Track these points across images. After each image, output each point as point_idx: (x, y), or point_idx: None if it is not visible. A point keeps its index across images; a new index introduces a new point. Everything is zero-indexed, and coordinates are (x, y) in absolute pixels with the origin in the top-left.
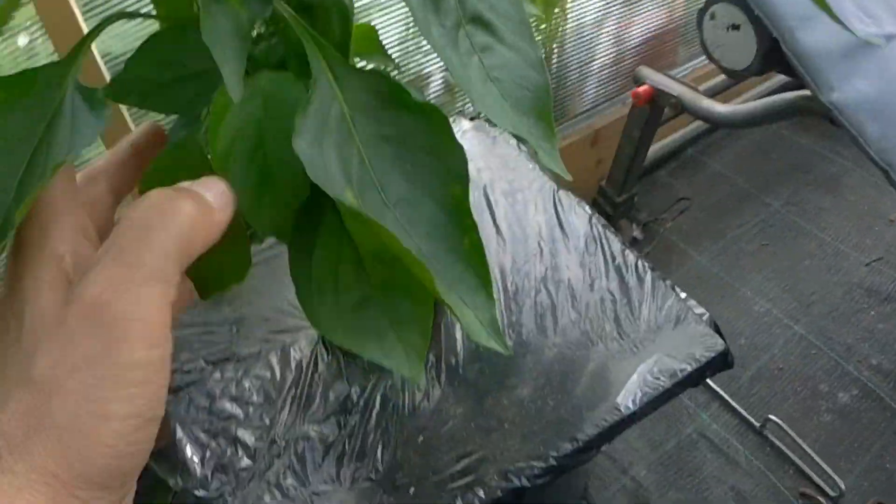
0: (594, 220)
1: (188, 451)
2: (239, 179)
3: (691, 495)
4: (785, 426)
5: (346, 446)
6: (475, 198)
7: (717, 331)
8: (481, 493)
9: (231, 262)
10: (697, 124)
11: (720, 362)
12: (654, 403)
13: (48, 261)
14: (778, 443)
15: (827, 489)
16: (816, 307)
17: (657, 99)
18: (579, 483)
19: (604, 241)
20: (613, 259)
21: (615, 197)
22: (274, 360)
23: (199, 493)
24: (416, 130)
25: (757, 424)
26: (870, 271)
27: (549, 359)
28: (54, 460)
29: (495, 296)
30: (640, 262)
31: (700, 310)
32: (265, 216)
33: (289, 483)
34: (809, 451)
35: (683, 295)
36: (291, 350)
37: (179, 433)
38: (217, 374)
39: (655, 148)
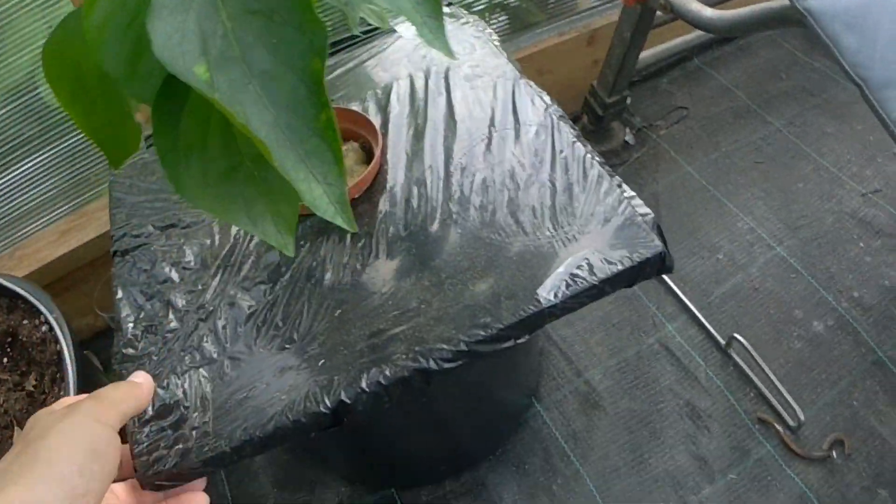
0: (551, 111)
1: (125, 311)
2: (113, 51)
3: (644, 406)
4: (750, 348)
5: (268, 315)
6: (434, 81)
7: (659, 232)
8: (388, 372)
9: (125, 134)
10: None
11: (656, 264)
12: (579, 299)
13: None
14: (742, 363)
15: (787, 418)
16: (803, 231)
17: None
18: (530, 380)
19: (556, 131)
20: (561, 151)
21: (605, 97)
22: (216, 229)
23: (128, 351)
24: (282, 5)
25: (722, 342)
26: (865, 202)
27: (477, 243)
28: None
29: (436, 176)
30: (588, 156)
31: (645, 209)
32: (137, 86)
33: (209, 346)
34: (772, 375)
35: (630, 193)
36: None
37: (120, 293)
38: (162, 240)
39: (658, 51)
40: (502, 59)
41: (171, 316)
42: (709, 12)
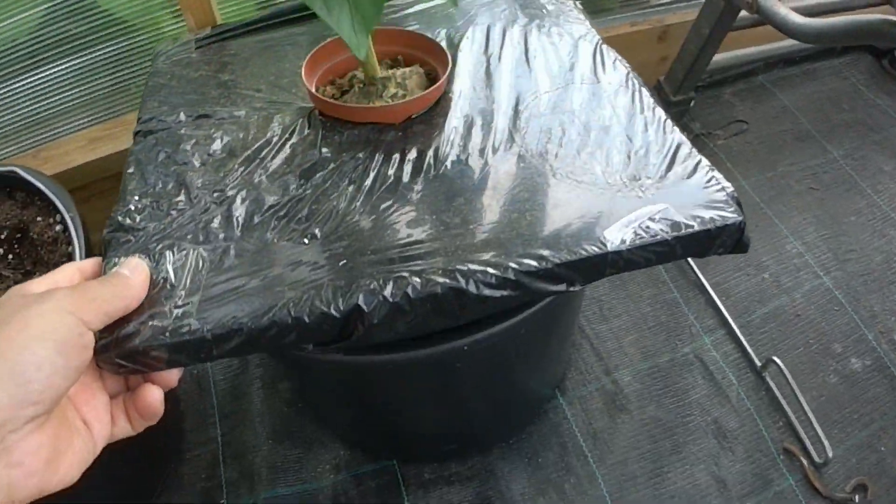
0: (632, 76)
1: (131, 184)
2: None
3: (671, 416)
4: (788, 374)
5: (292, 209)
6: (512, 31)
7: (739, 205)
8: (417, 282)
9: None
10: (772, 45)
11: (733, 235)
12: (646, 252)
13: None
14: (775, 389)
15: (813, 453)
16: (851, 265)
17: None
18: (557, 370)
19: (636, 94)
20: (641, 111)
21: (671, 95)
22: (251, 123)
23: (125, 220)
24: None
25: (758, 363)
26: None
27: (540, 179)
28: None
29: (503, 112)
30: (668, 122)
31: (725, 182)
32: None
33: (217, 229)
34: (807, 407)
35: (708, 164)
36: (274, 118)
37: (132, 169)
38: (192, 128)
39: (730, 56)
40: (585, 24)
41: (182, 196)
42: (797, 18)
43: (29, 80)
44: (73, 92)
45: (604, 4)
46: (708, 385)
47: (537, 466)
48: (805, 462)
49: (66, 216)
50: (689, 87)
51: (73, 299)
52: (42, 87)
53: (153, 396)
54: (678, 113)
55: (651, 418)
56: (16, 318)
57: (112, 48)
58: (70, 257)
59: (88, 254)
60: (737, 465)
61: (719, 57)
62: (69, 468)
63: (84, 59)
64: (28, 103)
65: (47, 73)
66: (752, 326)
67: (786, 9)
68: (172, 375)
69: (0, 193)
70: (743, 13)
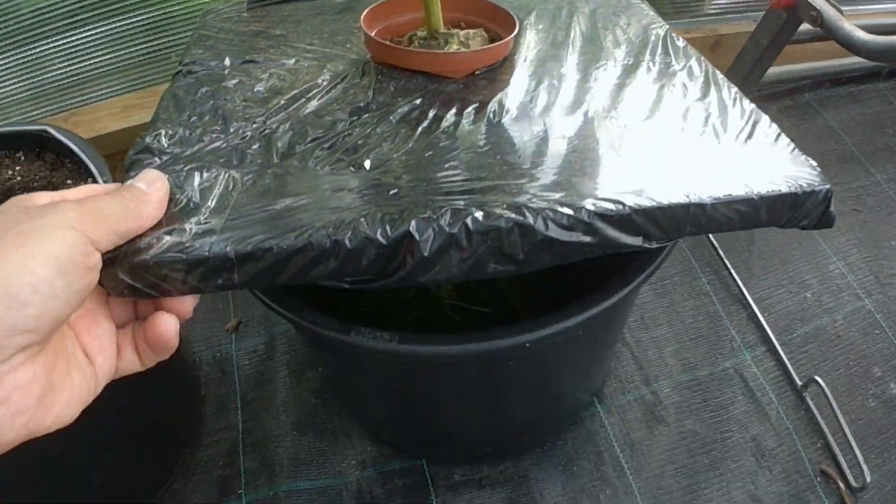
0: (704, 62)
1: (165, 113)
2: None
3: (710, 431)
4: (829, 394)
5: (338, 141)
6: (579, 12)
7: (822, 177)
8: (478, 215)
9: None
10: (823, 63)
11: (819, 206)
12: (729, 212)
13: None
14: (815, 410)
15: (850, 477)
16: (892, 289)
17: (798, 7)
18: (597, 377)
19: (709, 73)
20: (718, 87)
21: None
22: (301, 70)
23: (153, 143)
24: None
25: (799, 382)
26: None
27: (614, 133)
28: None
29: (571, 80)
30: (744, 98)
31: (811, 160)
32: None
33: (252, 153)
34: (846, 429)
35: (790, 139)
36: (326, 66)
37: (167, 101)
38: (237, 71)
39: (776, 71)
40: (653, 14)
41: (218, 125)
42: (862, 34)
43: (65, 41)
44: (108, 56)
45: (658, 9)
46: (747, 401)
47: (572, 475)
48: (842, 486)
49: (100, 180)
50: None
51: (80, 214)
52: (78, 48)
53: (166, 325)
54: None
55: (689, 432)
56: (12, 231)
57: (150, 14)
58: None
59: None
60: (774, 484)
61: (772, 70)
62: (65, 407)
63: (121, 23)
64: (62, 64)
65: (84, 34)
66: (792, 345)
67: (850, 24)
68: (186, 303)
69: (29, 153)
70: (803, 26)
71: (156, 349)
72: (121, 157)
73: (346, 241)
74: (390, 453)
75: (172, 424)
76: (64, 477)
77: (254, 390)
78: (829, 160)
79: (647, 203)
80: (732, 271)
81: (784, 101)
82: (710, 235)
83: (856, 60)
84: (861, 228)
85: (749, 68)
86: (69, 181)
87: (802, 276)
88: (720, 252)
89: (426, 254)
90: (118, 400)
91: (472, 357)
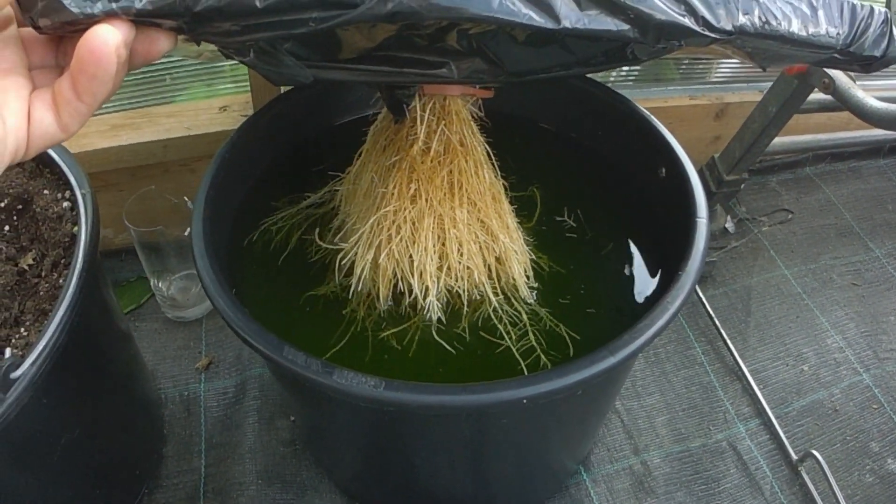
0: None
1: None
2: None
3: None
4: (827, 470)
5: None
6: None
7: None
8: None
9: None
10: (825, 136)
11: (878, 34)
12: (774, 36)
13: None
14: (810, 485)
15: None
16: (890, 365)
17: (809, 74)
18: (584, 444)
19: None
20: None
21: (724, 174)
22: None
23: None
24: None
25: (794, 457)
26: None
27: None
28: None
29: None
30: None
31: None
32: None
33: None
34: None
35: None
36: None
37: None
38: None
39: (779, 142)
40: None
41: None
42: (875, 102)
43: None
44: None
45: (664, 74)
46: (741, 475)
47: None
48: None
49: (78, 192)
50: (743, 168)
51: None
52: None
53: (101, 37)
54: (728, 194)
55: None
56: None
57: None
58: (73, 239)
59: (94, 240)
60: None
61: (775, 140)
62: None
63: None
64: None
65: None
66: (788, 418)
67: (863, 92)
68: (158, 44)
69: None
70: (812, 96)
71: (83, 68)
72: (102, 178)
73: None
74: None
75: (131, 462)
76: None
77: (220, 434)
78: (829, 234)
79: (663, 18)
80: (728, 341)
81: (784, 174)
82: (707, 304)
83: (858, 134)
84: (859, 303)
85: (755, 137)
86: (46, 191)
87: (800, 349)
88: (716, 322)
89: None
90: (72, 430)
91: (467, 410)
